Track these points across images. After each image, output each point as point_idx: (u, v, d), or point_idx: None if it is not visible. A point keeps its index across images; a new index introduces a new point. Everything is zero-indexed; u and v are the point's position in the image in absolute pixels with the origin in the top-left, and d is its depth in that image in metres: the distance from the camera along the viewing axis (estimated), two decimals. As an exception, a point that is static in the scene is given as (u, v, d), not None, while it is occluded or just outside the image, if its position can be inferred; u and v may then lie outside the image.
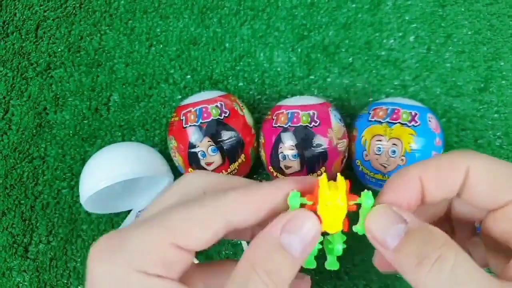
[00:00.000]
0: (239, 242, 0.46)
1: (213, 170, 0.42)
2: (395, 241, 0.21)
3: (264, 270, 0.21)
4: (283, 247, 0.22)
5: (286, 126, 0.40)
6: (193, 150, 0.41)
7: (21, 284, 0.48)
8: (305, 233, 0.23)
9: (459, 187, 0.23)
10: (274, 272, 0.22)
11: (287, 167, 0.41)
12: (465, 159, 0.22)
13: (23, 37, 0.53)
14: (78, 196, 0.49)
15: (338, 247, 0.24)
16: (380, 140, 0.40)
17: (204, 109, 0.41)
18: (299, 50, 0.50)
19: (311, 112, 0.40)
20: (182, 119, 0.41)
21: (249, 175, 0.47)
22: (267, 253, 0.22)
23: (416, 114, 0.40)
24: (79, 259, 0.48)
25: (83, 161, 0.50)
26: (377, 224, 0.22)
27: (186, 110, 0.42)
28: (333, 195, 0.23)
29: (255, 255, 0.22)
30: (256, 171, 0.48)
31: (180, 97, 0.50)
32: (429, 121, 0.40)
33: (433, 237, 0.20)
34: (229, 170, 0.42)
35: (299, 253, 0.22)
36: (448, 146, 0.47)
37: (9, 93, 0.52)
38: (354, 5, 0.50)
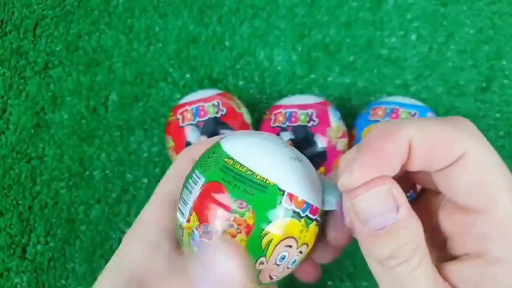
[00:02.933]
0: None
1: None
2: (376, 226, 0.20)
3: None
4: None
5: (284, 126, 0.40)
6: (191, 149, 0.41)
7: (19, 285, 0.47)
8: None
9: (446, 166, 0.20)
10: None
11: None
12: (465, 143, 0.19)
13: (21, 36, 0.52)
14: (76, 196, 0.49)
15: None
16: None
17: (200, 108, 0.40)
18: (300, 48, 0.50)
19: (309, 111, 0.40)
20: (179, 118, 0.41)
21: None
22: None
23: (415, 113, 0.39)
24: (77, 260, 0.48)
25: (81, 161, 0.49)
26: (368, 206, 0.20)
27: (183, 109, 0.41)
28: None
29: None
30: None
31: (179, 96, 0.50)
32: (430, 120, 0.39)
33: (412, 238, 0.19)
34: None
35: None
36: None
37: (7, 93, 0.51)
38: (355, 4, 0.50)
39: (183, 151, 0.28)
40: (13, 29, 0.53)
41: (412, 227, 0.20)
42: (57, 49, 0.52)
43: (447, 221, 0.22)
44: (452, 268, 0.21)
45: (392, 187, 0.20)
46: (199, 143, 0.28)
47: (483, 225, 0.20)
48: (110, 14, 0.52)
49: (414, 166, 0.20)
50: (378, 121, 0.40)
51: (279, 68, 0.50)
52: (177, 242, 0.26)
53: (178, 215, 0.23)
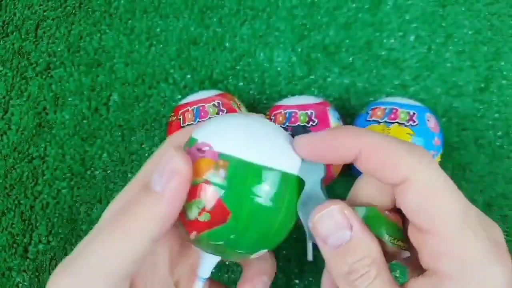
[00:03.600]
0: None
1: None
2: (335, 243, 0.23)
3: (121, 206, 0.23)
4: (148, 183, 0.23)
5: (284, 126, 0.40)
6: (192, 149, 0.41)
7: (20, 284, 0.48)
8: (162, 162, 0.23)
9: (396, 184, 0.22)
10: (128, 206, 0.22)
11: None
12: (412, 167, 0.21)
13: (22, 36, 0.53)
14: (77, 196, 0.49)
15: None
16: (378, 140, 0.40)
17: (201, 108, 0.41)
18: (299, 49, 0.50)
19: (308, 111, 0.40)
20: (180, 119, 0.41)
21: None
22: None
23: (414, 113, 0.39)
24: (78, 259, 0.48)
25: (83, 161, 0.50)
26: (325, 224, 0.23)
27: (184, 110, 0.41)
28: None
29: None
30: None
31: (180, 97, 0.50)
32: (428, 120, 0.40)
33: (367, 254, 0.22)
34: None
35: (159, 186, 0.22)
36: (448, 146, 0.46)
37: (8, 93, 0.52)
38: (354, 5, 0.50)
39: (167, 139, 0.29)
40: (15, 30, 0.53)
41: (365, 244, 0.22)
42: (59, 50, 0.52)
43: (412, 237, 0.23)
44: (414, 283, 0.22)
45: (343, 208, 0.23)
46: (181, 131, 0.29)
47: (433, 244, 0.21)
48: (111, 15, 0.52)
49: (364, 169, 0.23)
50: (377, 121, 0.40)
51: (279, 69, 0.50)
52: None
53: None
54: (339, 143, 0.23)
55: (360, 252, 0.22)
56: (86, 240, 0.24)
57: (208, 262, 0.28)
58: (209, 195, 0.23)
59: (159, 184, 0.22)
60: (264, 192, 0.23)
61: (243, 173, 0.23)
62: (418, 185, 0.21)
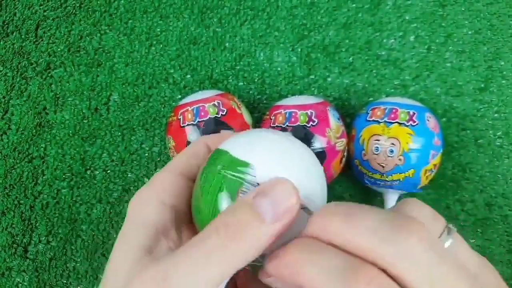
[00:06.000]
0: None
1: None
2: None
3: (224, 223, 0.21)
4: (253, 207, 0.21)
5: (284, 126, 0.40)
6: (192, 149, 0.41)
7: (20, 284, 0.48)
8: (277, 194, 0.22)
9: None
10: (234, 226, 0.21)
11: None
12: None
13: (23, 36, 0.53)
14: (77, 195, 0.49)
15: None
16: (378, 140, 0.40)
17: (201, 108, 0.41)
18: (299, 49, 0.50)
19: (308, 111, 0.40)
20: (180, 118, 0.41)
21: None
22: (233, 211, 0.22)
23: (414, 113, 0.39)
24: (78, 259, 0.48)
25: (83, 161, 0.50)
26: None
27: (184, 110, 0.41)
28: None
29: (221, 216, 0.22)
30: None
31: (180, 96, 0.50)
32: (427, 120, 0.40)
33: None
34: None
35: (270, 217, 0.21)
36: (448, 146, 0.47)
37: (8, 93, 0.52)
38: (354, 5, 0.50)
39: (201, 137, 0.30)
40: (15, 30, 0.53)
41: None
42: (59, 49, 0.52)
43: None
44: None
45: None
46: (214, 135, 0.29)
47: None
48: (112, 15, 0.52)
49: None
50: (377, 121, 0.40)
51: (279, 69, 0.50)
52: (185, 210, 0.26)
53: None
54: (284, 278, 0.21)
55: None
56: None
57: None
58: None
59: (270, 215, 0.21)
60: None
61: None
62: None
